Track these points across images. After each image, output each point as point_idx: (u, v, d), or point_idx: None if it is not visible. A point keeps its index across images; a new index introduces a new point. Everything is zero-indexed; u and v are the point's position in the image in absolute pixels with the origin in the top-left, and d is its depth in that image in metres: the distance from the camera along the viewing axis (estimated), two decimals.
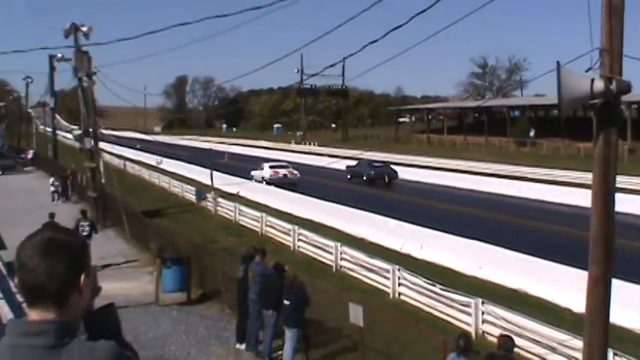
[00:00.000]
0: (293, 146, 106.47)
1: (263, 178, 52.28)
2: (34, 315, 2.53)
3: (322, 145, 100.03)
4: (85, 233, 26.84)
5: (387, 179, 56.20)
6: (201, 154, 60.56)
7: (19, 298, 15.79)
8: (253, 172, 55.94)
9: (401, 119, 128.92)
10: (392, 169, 58.87)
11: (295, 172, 55.43)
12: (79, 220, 28.27)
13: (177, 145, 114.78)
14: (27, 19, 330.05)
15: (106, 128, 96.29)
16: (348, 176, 59.32)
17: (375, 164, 59.61)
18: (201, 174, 53.16)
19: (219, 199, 41.63)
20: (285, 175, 54.03)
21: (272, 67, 76.63)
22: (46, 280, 2.48)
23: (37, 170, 70.39)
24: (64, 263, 2.52)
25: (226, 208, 40.09)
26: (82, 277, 2.58)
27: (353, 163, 60.63)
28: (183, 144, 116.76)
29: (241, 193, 46.28)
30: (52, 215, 27.85)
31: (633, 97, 48.61)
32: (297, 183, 52.27)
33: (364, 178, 57.05)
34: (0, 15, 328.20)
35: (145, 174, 63.28)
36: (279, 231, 32.50)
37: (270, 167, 50.93)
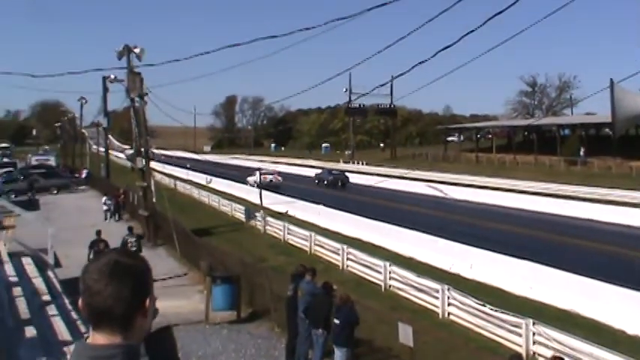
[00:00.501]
0: (341, 165, 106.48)
1: (255, 182, 59.04)
2: (99, 338, 2.53)
3: (370, 164, 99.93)
4: (133, 249, 27.52)
5: (340, 183, 71.70)
6: (250, 174, 61.01)
7: (74, 315, 16.01)
8: (248, 178, 66.38)
9: (449, 138, 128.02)
10: (345, 175, 75.56)
11: (279, 178, 69.76)
12: (127, 237, 28.76)
13: (227, 164, 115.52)
14: (81, 40, 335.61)
15: (157, 148, 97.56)
16: (316, 181, 74.55)
17: (333, 172, 78.06)
18: (250, 193, 53.44)
19: (268, 218, 41.75)
20: (270, 180, 65.83)
21: (320, 86, 77.14)
22: (113, 303, 2.49)
23: (90, 189, 71.40)
24: (130, 287, 2.53)
25: (275, 227, 40.16)
26: (147, 300, 2.60)
27: (319, 170, 79.19)
28: (232, 163, 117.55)
29: (290, 212, 46.34)
30: (98, 232, 28.38)
31: None
32: (280, 186, 64.82)
33: (325, 182, 72.18)
34: (54, 37, 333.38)
35: (195, 193, 63.75)
36: (328, 250, 32.43)
37: (260, 174, 56.50)
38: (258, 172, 57.93)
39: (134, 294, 2.54)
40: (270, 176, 68.38)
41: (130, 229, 31.05)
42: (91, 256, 27.30)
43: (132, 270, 2.57)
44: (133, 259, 2.63)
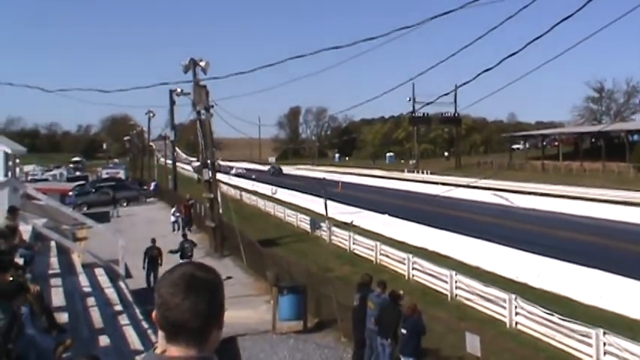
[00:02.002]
0: (406, 174, 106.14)
1: (233, 173, 76.42)
2: (174, 351, 2.56)
3: (435, 174, 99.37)
4: (189, 254, 29.45)
5: (277, 173, 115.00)
6: (315, 184, 61.22)
7: (145, 325, 16.30)
8: (231, 171, 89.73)
9: (514, 146, 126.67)
10: (279, 167, 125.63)
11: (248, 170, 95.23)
12: (183, 243, 30.00)
13: (292, 175, 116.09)
14: (148, 54, 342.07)
15: (223, 159, 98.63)
16: (269, 173, 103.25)
17: (274, 166, 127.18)
18: (315, 203, 53.60)
19: (334, 228, 41.80)
20: (239, 172, 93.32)
21: (384, 96, 76.88)
22: (190, 317, 2.51)
23: (158, 201, 72.47)
24: (207, 300, 2.55)
25: (340, 237, 40.21)
26: (222, 313, 2.63)
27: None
28: (297, 174, 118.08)
29: (355, 222, 46.32)
30: (153, 240, 29.93)
31: None
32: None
33: (271, 173, 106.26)
34: (121, 52, 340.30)
35: (261, 204, 64.19)
36: (394, 260, 32.35)
37: (237, 168, 62.26)
38: (235, 166, 63.17)
39: (211, 308, 2.57)
40: (242, 170, 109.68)
41: (185, 236, 33.06)
42: (146, 263, 28.58)
43: (207, 283, 2.59)
44: (208, 273, 2.65)
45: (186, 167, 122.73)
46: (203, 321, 2.55)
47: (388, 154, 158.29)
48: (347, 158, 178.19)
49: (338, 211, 49.27)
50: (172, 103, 69.26)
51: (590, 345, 17.77)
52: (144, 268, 28.96)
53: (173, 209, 49.06)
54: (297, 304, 21.56)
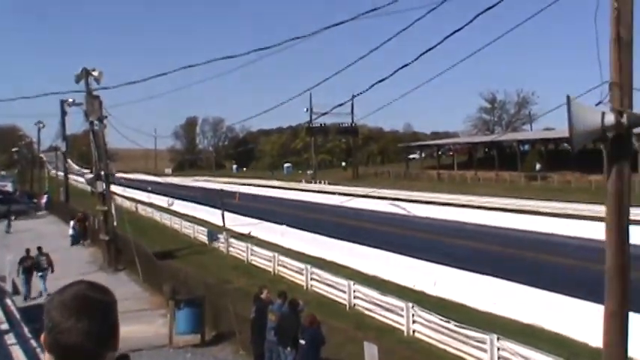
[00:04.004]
0: (304, 185, 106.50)
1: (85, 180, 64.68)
2: None
3: (333, 184, 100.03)
4: (44, 266, 29.69)
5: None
6: (212, 195, 60.75)
7: (34, 343, 15.79)
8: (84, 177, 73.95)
9: (411, 156, 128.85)
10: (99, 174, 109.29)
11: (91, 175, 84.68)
12: (38, 256, 30.34)
13: (189, 186, 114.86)
14: (37, 63, 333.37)
15: (117, 171, 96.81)
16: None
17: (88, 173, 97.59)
18: (212, 214, 53.23)
19: (231, 240, 41.61)
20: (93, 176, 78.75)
21: (282, 106, 77.01)
22: (83, 340, 2.39)
23: (49, 215, 70.57)
24: (100, 322, 2.44)
25: (238, 249, 40.05)
26: (118, 334, 2.51)
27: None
28: (194, 185, 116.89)
29: (253, 233, 46.24)
30: (27, 251, 29.71)
31: None
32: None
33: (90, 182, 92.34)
34: (10, 59, 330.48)
35: (157, 216, 63.32)
36: (292, 270, 32.40)
37: (89, 174, 59.40)
38: (87, 172, 59.49)
39: (105, 330, 2.46)
40: (89, 175, 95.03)
41: (40, 249, 31.81)
42: (20, 273, 28.24)
43: (101, 305, 2.48)
44: (102, 293, 2.53)
45: (80, 179, 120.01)
46: (97, 344, 2.42)
47: (286, 165, 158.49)
48: (245, 169, 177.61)
49: (236, 222, 49.10)
50: (64, 113, 67.67)
51: (485, 350, 18.18)
52: (18, 276, 28.76)
53: (72, 222, 47.89)
54: (194, 317, 21.32)
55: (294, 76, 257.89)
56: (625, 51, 8.13)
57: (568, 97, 7.76)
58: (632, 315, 8.92)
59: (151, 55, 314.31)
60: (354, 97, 71.68)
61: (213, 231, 45.75)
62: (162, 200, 75.75)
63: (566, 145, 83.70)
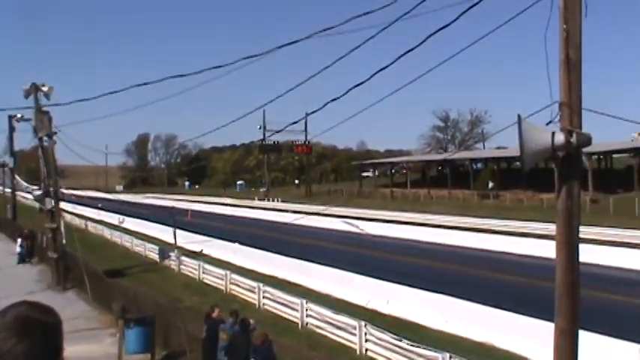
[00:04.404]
0: (256, 202, 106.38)
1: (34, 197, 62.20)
2: None
3: (286, 201, 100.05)
4: None
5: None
6: (164, 213, 60.38)
7: None
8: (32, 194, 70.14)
9: (364, 174, 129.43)
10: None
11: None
12: None
13: (140, 203, 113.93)
14: None
15: (67, 188, 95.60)
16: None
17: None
18: (164, 232, 52.83)
19: (183, 258, 41.31)
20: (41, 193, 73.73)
21: (235, 124, 76.75)
22: None
23: None
24: (43, 344, 2.38)
25: (190, 267, 39.76)
26: (61, 355, 2.46)
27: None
28: (145, 202, 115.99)
29: (205, 251, 45.98)
30: None
31: (593, 147, 49.43)
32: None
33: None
34: None
35: (107, 233, 62.64)
36: (244, 289, 32.25)
37: (38, 190, 59.42)
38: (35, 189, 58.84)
39: (48, 352, 2.40)
40: (38, 192, 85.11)
41: None
42: None
43: (44, 326, 2.42)
44: (45, 314, 2.47)
45: (27, 196, 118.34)
46: None
47: (239, 182, 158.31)
48: (197, 186, 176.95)
49: (188, 240, 48.83)
50: (12, 129, 66.53)
51: None
52: None
53: (19, 240, 47.04)
54: (144, 336, 21.05)
55: (248, 94, 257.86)
56: (574, 71, 8.26)
57: (519, 116, 7.85)
58: (582, 333, 9.01)
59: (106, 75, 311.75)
60: (307, 115, 72.05)
61: (165, 249, 45.38)
62: (112, 218, 75.00)
63: (517, 163, 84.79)
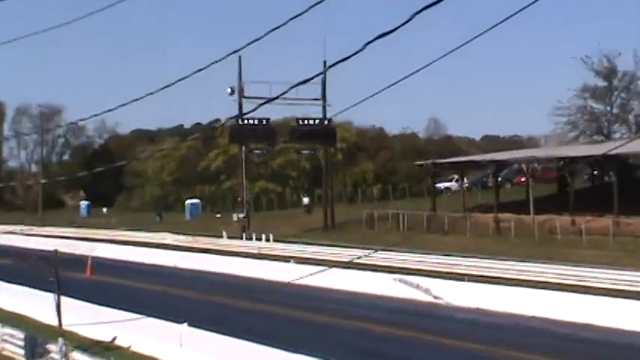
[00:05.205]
0: (225, 242, 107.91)
1: None
2: None
3: (281, 240, 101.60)
4: None
5: None
6: (37, 264, 60.78)
7: None
8: None
9: (442, 184, 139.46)
10: None
11: None
12: None
13: None
14: None
15: None
16: None
17: None
18: (38, 303, 53.38)
19: (75, 354, 41.20)
20: None
21: (180, 85, 78.87)
22: None
23: None
24: None
25: None
26: None
27: None
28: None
29: (120, 340, 46.16)
30: None
31: None
32: None
33: None
34: None
35: None
36: None
37: None
38: None
39: None
40: None
41: None
42: None
43: None
44: None
45: None
46: None
47: (189, 202, 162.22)
48: (106, 209, 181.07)
49: (87, 318, 49.62)
50: None
51: None
52: None
53: None
54: None
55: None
56: None
57: None
58: None
59: None
60: (326, 68, 66.10)
61: (37, 337, 44.98)
62: None
63: None
